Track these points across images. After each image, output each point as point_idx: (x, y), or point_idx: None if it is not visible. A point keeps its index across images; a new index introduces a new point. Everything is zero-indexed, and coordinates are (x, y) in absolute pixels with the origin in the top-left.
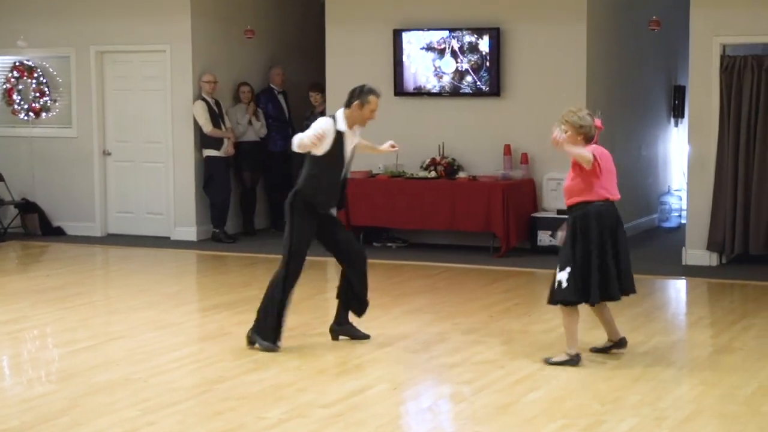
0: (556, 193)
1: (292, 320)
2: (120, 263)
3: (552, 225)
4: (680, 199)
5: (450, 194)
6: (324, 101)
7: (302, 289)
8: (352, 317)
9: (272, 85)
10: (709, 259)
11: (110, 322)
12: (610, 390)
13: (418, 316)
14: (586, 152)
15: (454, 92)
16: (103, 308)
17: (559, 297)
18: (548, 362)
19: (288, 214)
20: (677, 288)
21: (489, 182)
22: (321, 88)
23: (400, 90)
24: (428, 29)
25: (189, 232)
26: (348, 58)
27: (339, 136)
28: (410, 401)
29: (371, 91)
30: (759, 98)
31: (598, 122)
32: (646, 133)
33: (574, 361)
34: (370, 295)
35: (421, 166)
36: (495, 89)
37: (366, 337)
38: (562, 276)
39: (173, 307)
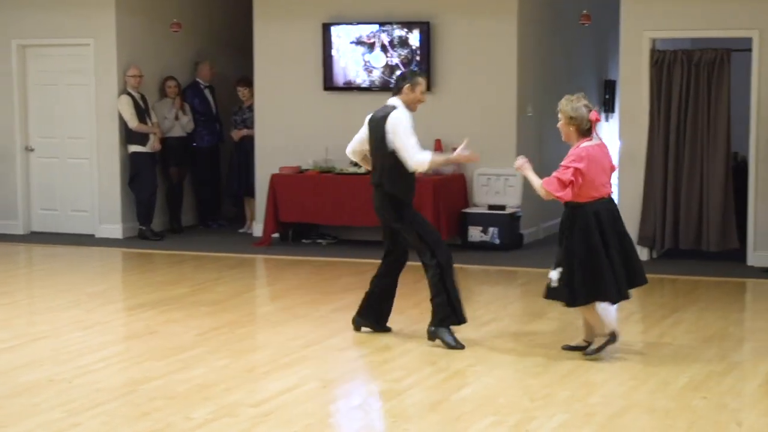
0: (487, 188)
1: (220, 318)
2: (44, 262)
3: (483, 221)
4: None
5: None
6: (252, 96)
7: (230, 286)
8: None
9: (198, 80)
10: (640, 253)
11: (34, 321)
12: (541, 386)
13: (348, 313)
14: (537, 183)
15: (384, 87)
16: (27, 308)
17: (550, 295)
18: (587, 355)
19: (398, 216)
20: None
21: (419, 177)
22: (249, 82)
23: (329, 84)
24: (358, 23)
25: (114, 229)
26: (277, 52)
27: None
28: (340, 399)
29: (416, 73)
30: (688, 93)
31: (593, 115)
32: None
33: (611, 340)
34: (299, 292)
35: (351, 162)
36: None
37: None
38: (553, 275)
39: (99, 306)
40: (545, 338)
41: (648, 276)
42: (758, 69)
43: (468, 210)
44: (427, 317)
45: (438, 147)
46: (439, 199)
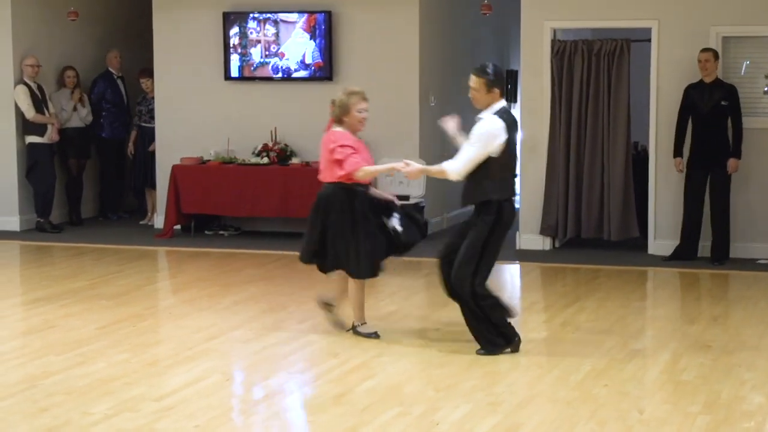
0: (391, 179)
1: (120, 312)
2: None
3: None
4: None
5: (283, 180)
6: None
7: (131, 279)
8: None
9: (111, 69)
10: (542, 243)
11: None
12: (445, 377)
13: (250, 305)
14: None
15: (286, 77)
16: None
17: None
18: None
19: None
20: (511, 272)
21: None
22: (152, 73)
23: (230, 75)
24: (259, 12)
25: (11, 221)
26: (177, 41)
27: None
28: (243, 392)
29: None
30: (589, 82)
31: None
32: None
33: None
34: (202, 284)
35: (253, 153)
36: (327, 73)
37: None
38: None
39: None
40: (449, 328)
41: (551, 265)
42: (657, 59)
43: None
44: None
45: None
46: None
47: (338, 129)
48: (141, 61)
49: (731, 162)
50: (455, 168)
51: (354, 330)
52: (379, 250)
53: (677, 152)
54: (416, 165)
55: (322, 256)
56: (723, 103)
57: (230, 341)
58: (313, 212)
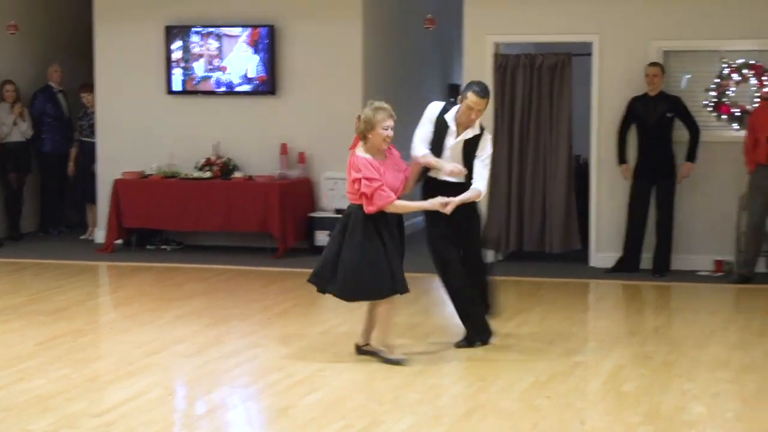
0: (334, 193)
1: (60, 327)
2: None
3: (329, 224)
4: None
5: (225, 194)
6: None
7: (72, 294)
8: None
9: (51, 84)
10: (484, 256)
11: None
12: (389, 389)
13: (193, 319)
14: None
15: (229, 91)
16: None
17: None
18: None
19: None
20: None
21: (265, 182)
22: (93, 87)
23: (172, 88)
24: (201, 26)
25: None
26: (118, 55)
27: (441, 125)
28: (185, 407)
29: (470, 87)
30: (531, 97)
31: None
32: None
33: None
34: (144, 299)
35: (196, 167)
36: (270, 87)
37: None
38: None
39: None
40: (393, 342)
41: (493, 278)
42: (598, 73)
43: (314, 214)
44: (275, 322)
45: (284, 151)
46: (285, 203)
47: (361, 153)
48: (82, 75)
49: (684, 166)
50: (484, 187)
51: (383, 357)
52: (396, 271)
53: (622, 159)
54: (455, 200)
55: (332, 281)
56: (668, 114)
57: (172, 356)
58: (337, 228)
